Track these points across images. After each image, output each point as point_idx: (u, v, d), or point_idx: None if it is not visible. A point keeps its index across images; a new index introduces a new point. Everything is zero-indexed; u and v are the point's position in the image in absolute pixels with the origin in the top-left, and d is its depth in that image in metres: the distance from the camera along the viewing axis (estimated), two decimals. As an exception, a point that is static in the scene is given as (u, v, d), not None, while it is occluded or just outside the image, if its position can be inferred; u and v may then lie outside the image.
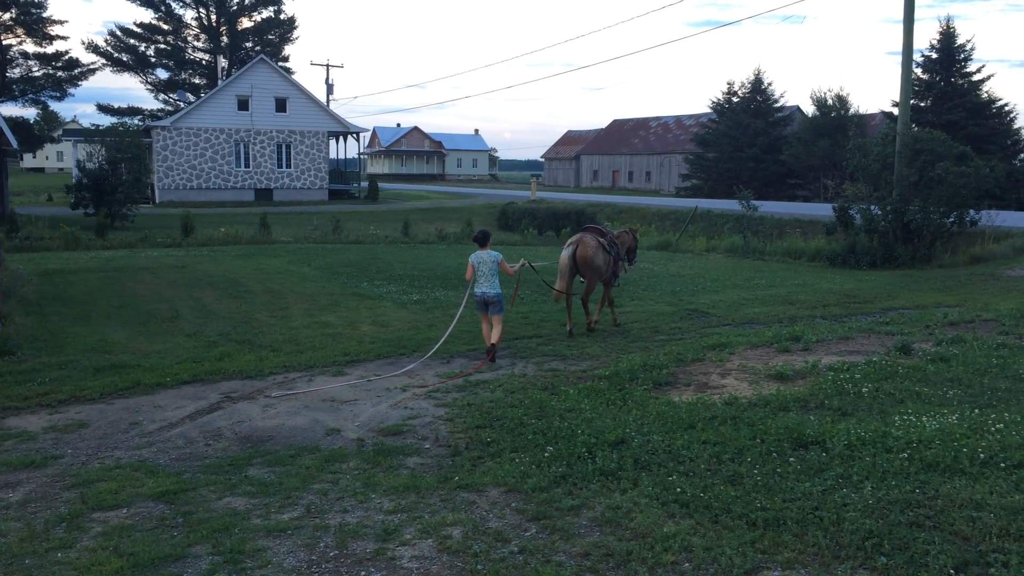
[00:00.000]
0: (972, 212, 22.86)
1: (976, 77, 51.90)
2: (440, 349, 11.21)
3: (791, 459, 6.30)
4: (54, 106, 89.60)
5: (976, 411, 7.39)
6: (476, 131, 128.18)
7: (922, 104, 51.05)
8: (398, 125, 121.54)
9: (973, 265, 21.37)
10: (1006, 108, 51.27)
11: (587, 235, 12.79)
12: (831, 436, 6.67)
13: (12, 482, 6.39)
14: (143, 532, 5.44)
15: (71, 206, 36.27)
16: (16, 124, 49.84)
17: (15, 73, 55.77)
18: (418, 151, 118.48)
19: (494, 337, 10.71)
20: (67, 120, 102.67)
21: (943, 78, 51.54)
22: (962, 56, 51.77)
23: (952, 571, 4.58)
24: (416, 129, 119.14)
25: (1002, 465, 5.97)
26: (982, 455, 6.12)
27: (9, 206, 35.48)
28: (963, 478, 5.80)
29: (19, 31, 56.20)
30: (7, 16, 55.05)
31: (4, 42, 55.90)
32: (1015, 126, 51.03)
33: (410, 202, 55.28)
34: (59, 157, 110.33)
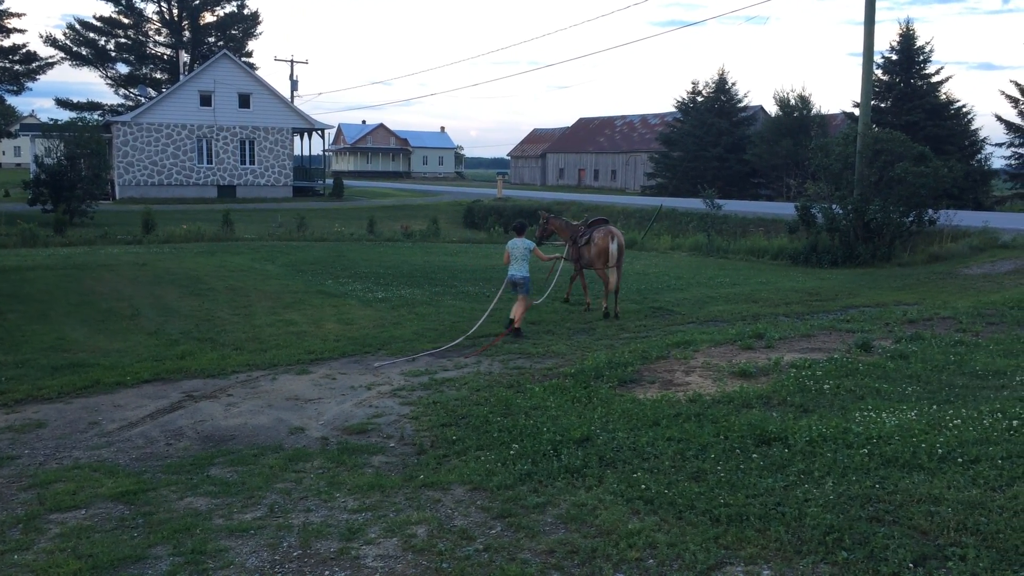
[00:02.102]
0: (931, 211, 23.24)
1: (935, 79, 52.73)
2: (406, 347, 11.24)
3: (754, 455, 6.37)
4: (11, 100, 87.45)
5: (934, 407, 7.52)
6: (442, 129, 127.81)
7: (882, 105, 51.76)
8: (363, 122, 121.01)
9: (931, 264, 21.74)
10: (964, 109, 52.13)
11: (607, 226, 14.23)
12: (793, 432, 6.75)
13: (-34, 484, 6.25)
14: (102, 533, 5.35)
15: (28, 202, 35.59)
16: (-29, 118, 48.79)
17: (-30, 66, 54.63)
18: (384, 148, 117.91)
19: (516, 313, 12.32)
20: (24, 114, 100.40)
21: (903, 79, 52.30)
22: (921, 58, 52.56)
23: (911, 565, 4.65)
24: (382, 126, 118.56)
25: (959, 460, 6.07)
26: (940, 450, 6.23)
27: (-36, 202, 34.70)
28: (921, 473, 5.90)
29: (-25, 23, 55.05)
30: (-38, 8, 53.90)
31: (-41, 34, 54.71)
32: (972, 127, 51.88)
33: (376, 200, 55.00)
34: (16, 152, 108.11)
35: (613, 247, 13.95)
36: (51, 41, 67.28)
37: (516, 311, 12.40)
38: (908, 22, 64.54)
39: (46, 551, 5.11)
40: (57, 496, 5.95)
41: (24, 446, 7.18)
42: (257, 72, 58.73)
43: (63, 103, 68.62)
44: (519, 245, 12.58)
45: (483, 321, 12.61)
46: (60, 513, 5.69)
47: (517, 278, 12.51)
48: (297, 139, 58.10)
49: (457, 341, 11.67)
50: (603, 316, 13.95)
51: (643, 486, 5.86)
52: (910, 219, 22.93)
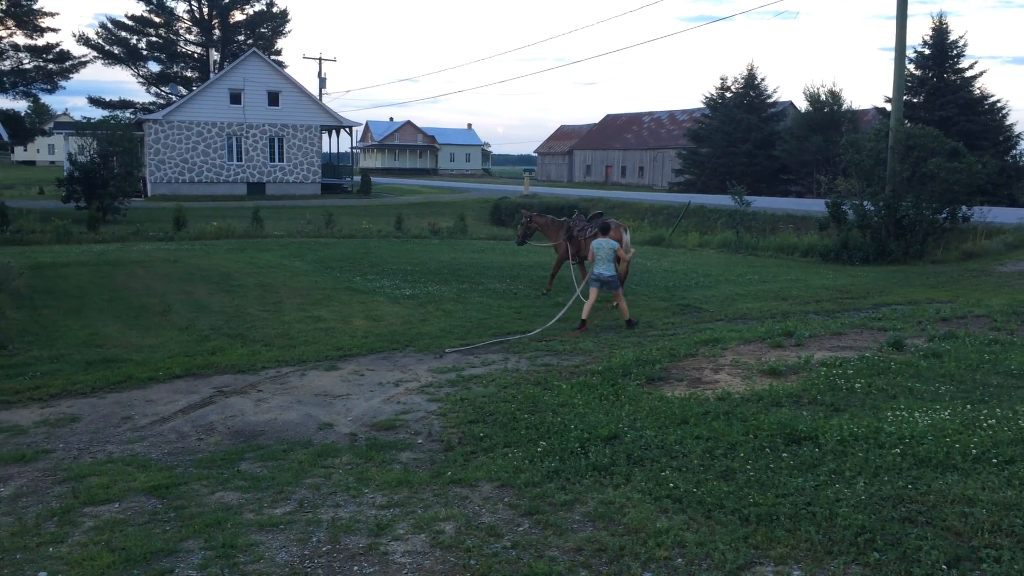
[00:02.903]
0: (964, 208, 22.91)
1: (969, 73, 52.00)
2: (432, 344, 11.28)
3: (784, 455, 6.32)
4: (45, 99, 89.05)
5: (968, 407, 7.42)
6: (469, 126, 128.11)
7: (915, 100, 51.14)
8: (391, 119, 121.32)
9: (965, 261, 21.43)
10: (998, 104, 51.40)
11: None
12: (824, 432, 6.68)
13: (3, 476, 6.36)
14: (135, 526, 5.42)
15: (62, 199, 36.08)
16: (7, 117, 49.46)
17: (6, 65, 55.32)
18: (411, 145, 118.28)
19: (625, 312, 12.95)
20: (58, 113, 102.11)
21: (936, 74, 51.62)
22: (954, 52, 51.86)
23: (944, 567, 4.59)
24: (409, 123, 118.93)
25: (994, 461, 5.99)
26: (974, 451, 6.14)
27: (0, 199, 35.27)
28: (955, 474, 5.82)
29: (9, 23, 55.73)
30: (-3, 8, 54.67)
31: (-6, 34, 55.52)
32: (1007, 122, 51.11)
33: (403, 196, 55.19)
34: (50, 150, 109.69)
35: (627, 237, 14.61)
36: (84, 40, 68.11)
37: (622, 307, 13.02)
38: (941, 16, 63.71)
39: (80, 544, 5.18)
40: (91, 490, 6.03)
41: (59, 440, 7.29)
42: (286, 70, 59.09)
43: (96, 101, 69.49)
44: (604, 245, 12.96)
45: (561, 315, 13.18)
46: (94, 506, 5.77)
47: (605, 276, 12.90)
48: (325, 136, 58.41)
49: (535, 332, 12.21)
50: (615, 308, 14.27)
51: (671, 484, 5.83)
52: (943, 216, 22.63)
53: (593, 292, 12.98)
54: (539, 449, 6.68)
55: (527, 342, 11.51)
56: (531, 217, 16.71)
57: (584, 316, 12.82)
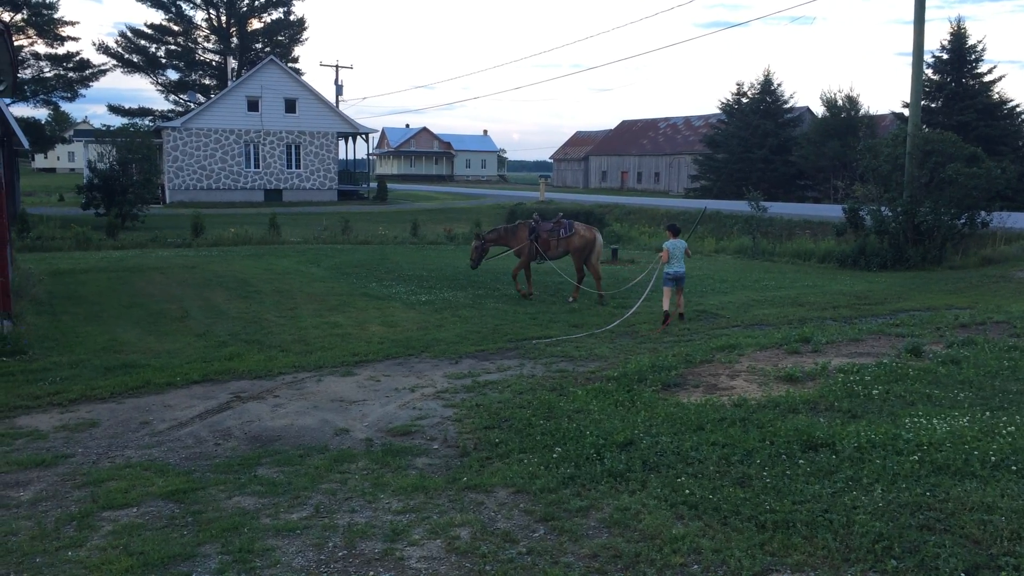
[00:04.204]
0: (983, 213, 22.73)
1: (987, 78, 51.68)
2: (448, 350, 11.29)
3: (800, 461, 6.28)
4: (65, 107, 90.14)
5: (987, 413, 7.36)
6: (485, 132, 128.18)
7: (933, 105, 50.83)
8: (407, 126, 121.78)
9: (984, 267, 21.26)
10: (1017, 109, 51.00)
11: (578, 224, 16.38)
12: (841, 438, 6.64)
13: (23, 481, 6.42)
14: (153, 531, 5.46)
15: (82, 206, 36.43)
16: (27, 124, 50.04)
17: (27, 74, 55.94)
18: (427, 152, 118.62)
19: (682, 307, 14.00)
20: (78, 121, 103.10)
21: (954, 79, 51.31)
22: (973, 57, 51.53)
23: (963, 574, 4.55)
24: (425, 130, 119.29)
25: (1013, 468, 5.93)
26: (993, 458, 6.09)
27: (20, 206, 35.66)
28: (974, 481, 5.77)
29: (30, 32, 56.44)
30: (19, 17, 55.28)
31: (16, 43, 56.13)
32: (1026, 127, 50.74)
33: (419, 203, 55.34)
34: (70, 157, 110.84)
35: (600, 238, 16.29)
36: (104, 49, 69.07)
37: (679, 303, 14.00)
38: (959, 21, 63.09)
39: (99, 548, 5.22)
40: (110, 494, 6.08)
41: (78, 445, 7.35)
42: (303, 77, 59.47)
43: (115, 109, 70.22)
44: (679, 244, 13.89)
45: (633, 311, 14.11)
46: (112, 511, 5.82)
47: (680, 274, 13.83)
48: (342, 143, 58.71)
49: (613, 324, 13.34)
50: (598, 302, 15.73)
51: (687, 491, 5.81)
52: (962, 221, 22.47)
53: (668, 290, 13.73)
54: (554, 455, 6.68)
55: (543, 347, 11.50)
56: (483, 240, 16.97)
57: (680, 310, 13.97)
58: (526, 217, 18.86)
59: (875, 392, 8.29)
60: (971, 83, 51.30)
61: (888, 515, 5.27)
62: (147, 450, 7.21)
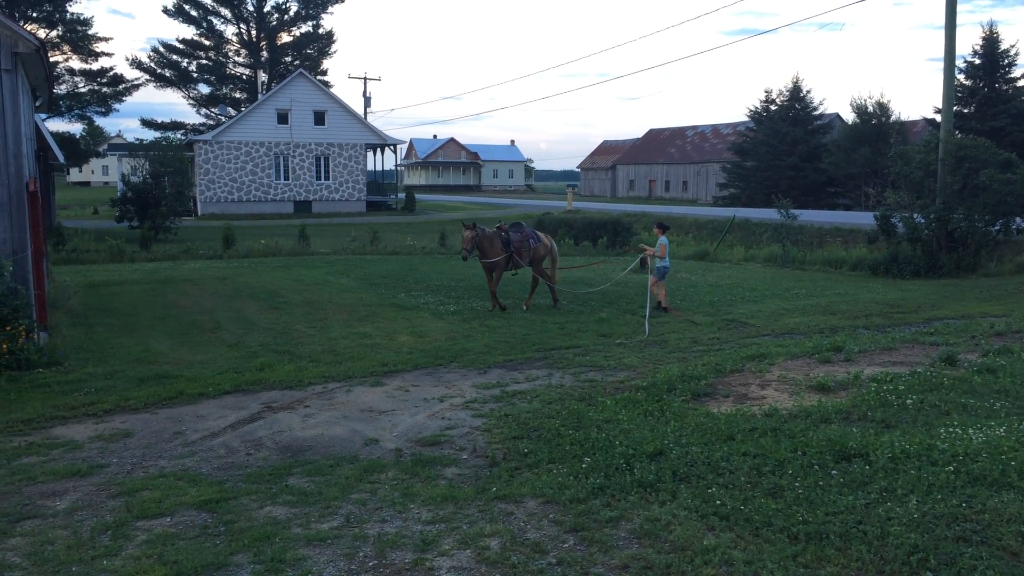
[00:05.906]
0: (1018, 220, 22.43)
1: (1021, 83, 50.96)
2: (477, 360, 11.31)
3: (833, 472, 6.22)
4: (99, 121, 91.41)
5: (1024, 423, 7.24)
6: (512, 142, 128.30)
7: (965, 110, 50.23)
8: (434, 137, 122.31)
9: (1020, 274, 20.94)
10: (1053, 114, 50.21)
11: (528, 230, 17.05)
12: (875, 449, 6.57)
13: (59, 490, 6.52)
14: (186, 540, 5.51)
15: (116, 219, 36.98)
16: (62, 139, 50.90)
17: (62, 89, 56.93)
18: (454, 162, 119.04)
19: (664, 298, 15.75)
20: (112, 135, 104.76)
21: (986, 84, 50.69)
22: (1006, 62, 50.90)
23: (1001, 587, 4.48)
24: (452, 140, 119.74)
25: (1052, 479, 5.83)
26: (1031, 468, 5.99)
27: (56, 219, 36.23)
28: (1011, 492, 5.68)
29: (65, 48, 57.46)
30: (54, 34, 56.32)
31: (51, 59, 57.16)
32: (1062, 132, 49.88)
33: (447, 213, 55.53)
34: (104, 171, 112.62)
35: (555, 246, 17.59)
36: (137, 64, 69.93)
37: (662, 293, 15.62)
38: (991, 25, 62.39)
39: (133, 557, 5.29)
40: (144, 504, 6.15)
41: (112, 455, 7.45)
42: (331, 90, 59.94)
43: (148, 123, 71.15)
44: (666, 241, 15.94)
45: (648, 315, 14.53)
46: (146, 520, 5.88)
47: (667, 267, 15.81)
48: (370, 154, 59.09)
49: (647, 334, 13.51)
50: (553, 304, 16.64)
51: (718, 502, 5.77)
52: (996, 228, 22.16)
53: (662, 283, 15.35)
54: (584, 465, 6.66)
55: (571, 357, 11.48)
56: (477, 232, 16.27)
57: (665, 305, 15.41)
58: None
59: (909, 402, 8.18)
60: (1004, 88, 50.65)
61: (923, 527, 5.20)
62: (180, 460, 7.28)
